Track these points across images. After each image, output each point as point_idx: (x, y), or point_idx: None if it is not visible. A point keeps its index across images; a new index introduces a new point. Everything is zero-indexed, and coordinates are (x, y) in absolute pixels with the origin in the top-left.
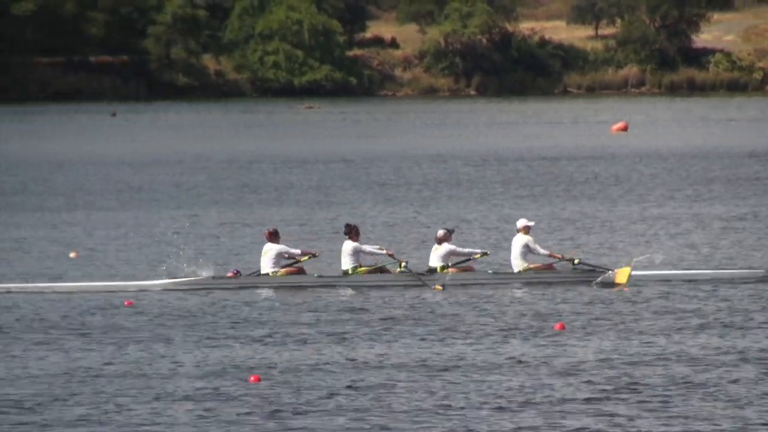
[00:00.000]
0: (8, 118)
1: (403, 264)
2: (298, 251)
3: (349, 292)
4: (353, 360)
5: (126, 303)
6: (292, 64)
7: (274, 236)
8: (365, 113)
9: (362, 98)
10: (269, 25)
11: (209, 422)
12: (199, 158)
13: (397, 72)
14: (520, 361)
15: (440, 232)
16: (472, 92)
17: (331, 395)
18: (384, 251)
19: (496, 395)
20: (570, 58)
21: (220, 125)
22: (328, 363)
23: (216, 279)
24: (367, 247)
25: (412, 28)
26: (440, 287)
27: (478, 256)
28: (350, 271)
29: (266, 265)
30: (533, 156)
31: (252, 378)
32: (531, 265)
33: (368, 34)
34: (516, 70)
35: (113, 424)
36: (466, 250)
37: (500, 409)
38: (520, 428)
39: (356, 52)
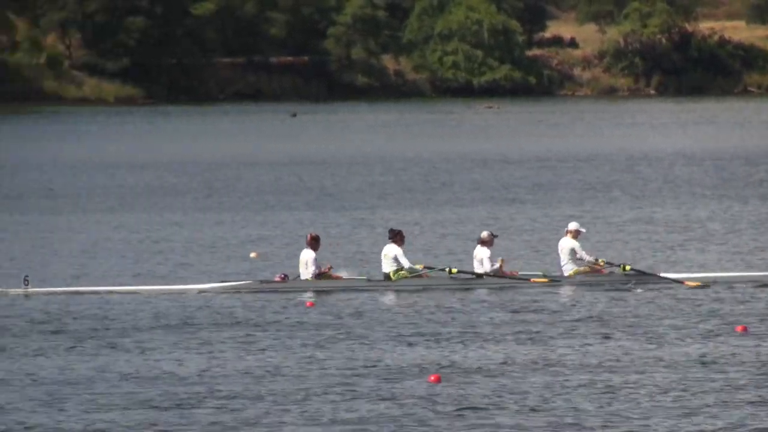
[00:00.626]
0: (189, 118)
1: (455, 270)
2: (315, 268)
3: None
4: (541, 361)
5: (307, 304)
6: (472, 64)
7: (313, 242)
8: (546, 113)
9: (541, 98)
10: (448, 25)
11: (389, 420)
12: (384, 159)
13: (576, 72)
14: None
15: (484, 234)
16: (652, 92)
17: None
18: (419, 267)
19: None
20: (750, 57)
21: (401, 125)
22: (517, 363)
23: (264, 282)
24: (405, 260)
25: (591, 28)
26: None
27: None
28: (391, 275)
29: (302, 272)
30: (721, 156)
31: (432, 378)
32: (580, 269)
33: (547, 34)
34: (696, 70)
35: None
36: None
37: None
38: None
39: (535, 51)
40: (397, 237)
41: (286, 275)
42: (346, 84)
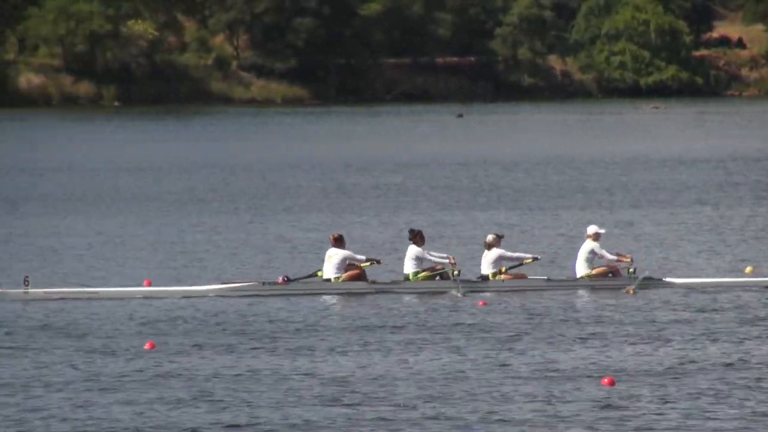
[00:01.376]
0: (355, 119)
1: (455, 272)
2: (363, 257)
3: (407, 299)
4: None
5: (480, 303)
6: (639, 65)
7: (339, 242)
8: (712, 113)
9: (708, 98)
10: (615, 26)
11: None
12: (554, 159)
13: (744, 72)
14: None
15: (489, 237)
16: None
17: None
18: (448, 260)
19: None
20: None
21: (568, 125)
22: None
23: (266, 285)
24: (431, 255)
25: (758, 28)
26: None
27: (529, 261)
28: (411, 276)
29: (330, 271)
30: None
31: (606, 380)
32: (593, 271)
33: (715, 34)
34: None
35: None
36: (516, 254)
37: None
38: None
39: (702, 52)
40: (417, 237)
41: (287, 277)
42: (513, 84)
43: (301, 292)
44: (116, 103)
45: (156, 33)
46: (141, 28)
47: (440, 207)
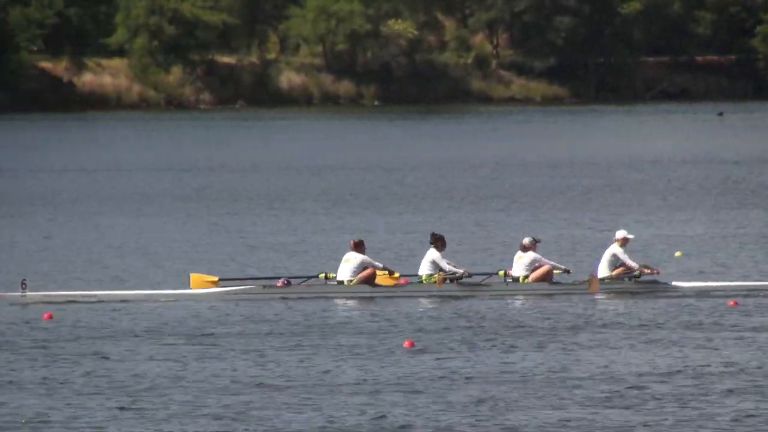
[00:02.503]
0: (613, 117)
1: (501, 272)
2: (380, 265)
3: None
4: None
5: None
6: None
7: (358, 247)
8: None
9: None
10: None
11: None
12: None
13: None
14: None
15: (526, 240)
16: None
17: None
18: (462, 271)
19: None
20: None
21: None
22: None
23: (267, 288)
24: (446, 265)
25: None
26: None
27: (559, 272)
28: (424, 279)
29: (345, 273)
30: None
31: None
32: (612, 274)
33: None
34: None
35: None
36: (550, 262)
37: None
38: None
39: None
40: (438, 242)
41: (289, 280)
42: None
43: (310, 294)
44: (376, 103)
45: (416, 32)
46: (401, 27)
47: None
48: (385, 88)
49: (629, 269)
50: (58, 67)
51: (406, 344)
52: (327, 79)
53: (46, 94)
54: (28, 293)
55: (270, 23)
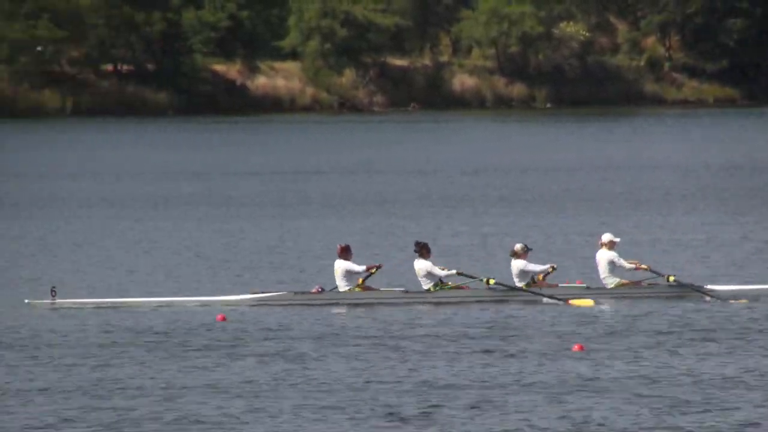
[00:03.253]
0: None
1: (492, 281)
2: (362, 267)
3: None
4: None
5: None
6: None
7: (344, 252)
8: None
9: None
10: None
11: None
12: None
13: None
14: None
15: (517, 246)
16: None
17: None
18: (453, 271)
19: None
20: None
21: None
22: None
23: (297, 294)
24: (439, 270)
25: None
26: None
27: (550, 271)
28: (432, 290)
29: (341, 284)
30: None
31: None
32: (623, 281)
33: None
34: None
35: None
36: (539, 267)
37: None
38: None
39: None
40: (423, 250)
41: (322, 288)
42: None
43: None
44: (548, 105)
45: (588, 34)
46: (573, 29)
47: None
48: (557, 91)
49: (633, 270)
50: (231, 70)
51: (575, 348)
52: (499, 82)
53: (219, 97)
54: (58, 300)
55: (442, 26)
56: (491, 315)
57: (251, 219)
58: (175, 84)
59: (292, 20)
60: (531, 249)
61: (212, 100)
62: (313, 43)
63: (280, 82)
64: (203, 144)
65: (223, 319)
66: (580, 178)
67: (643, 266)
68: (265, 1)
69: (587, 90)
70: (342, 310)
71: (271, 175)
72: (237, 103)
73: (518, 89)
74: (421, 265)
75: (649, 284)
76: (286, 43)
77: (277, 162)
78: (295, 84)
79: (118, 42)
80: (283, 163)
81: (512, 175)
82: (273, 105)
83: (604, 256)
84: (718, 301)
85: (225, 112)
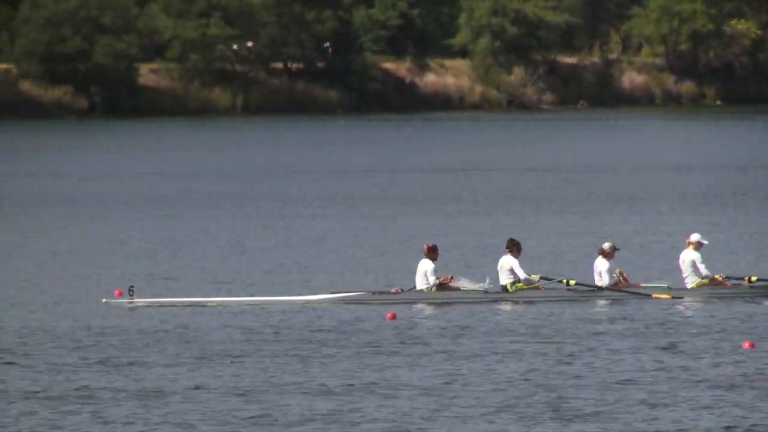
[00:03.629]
0: None
1: (572, 282)
2: (435, 278)
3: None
4: None
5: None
6: None
7: (431, 252)
8: None
9: None
10: None
11: None
12: None
13: None
14: None
15: (605, 246)
16: None
17: None
18: (536, 278)
19: None
20: None
21: None
22: None
23: (376, 294)
24: (521, 271)
25: None
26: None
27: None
28: (509, 287)
29: (420, 282)
30: None
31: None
32: (704, 281)
33: None
34: None
35: None
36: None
37: None
38: None
39: None
40: (514, 248)
41: (402, 289)
42: None
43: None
44: (718, 102)
45: (759, 32)
46: (744, 27)
47: None
48: (727, 88)
49: (710, 279)
50: (401, 68)
51: (745, 346)
52: (669, 79)
53: (388, 95)
54: (136, 300)
55: (612, 23)
56: (568, 315)
57: (426, 215)
58: (345, 82)
59: (462, 18)
60: (618, 249)
61: (382, 98)
62: (483, 41)
63: (449, 80)
64: (373, 142)
65: (393, 317)
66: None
67: (718, 277)
68: None
69: (758, 87)
70: (422, 307)
71: (443, 172)
72: (406, 101)
73: (687, 87)
74: (506, 261)
75: (733, 285)
76: (457, 40)
77: (445, 159)
78: (465, 82)
79: (289, 40)
80: (451, 160)
81: (689, 172)
82: (442, 103)
83: (688, 255)
84: None
85: (394, 110)
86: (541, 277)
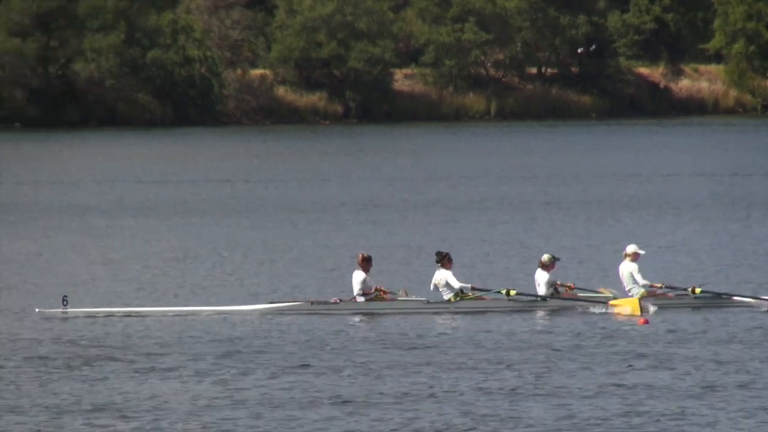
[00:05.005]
0: None
1: (513, 291)
2: (360, 289)
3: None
4: None
5: (640, 322)
6: None
7: (365, 262)
8: None
9: None
10: None
11: None
12: None
13: None
14: None
15: (544, 257)
16: None
17: None
18: (470, 287)
19: None
20: None
21: None
22: None
23: (314, 304)
24: (455, 281)
25: None
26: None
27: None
28: (452, 299)
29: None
30: None
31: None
32: (645, 293)
33: None
34: None
35: None
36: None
37: None
38: None
39: None
40: (444, 260)
41: (340, 299)
42: None
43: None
44: None
45: None
46: None
47: None
48: None
49: (648, 288)
50: (654, 72)
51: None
52: None
53: (642, 100)
54: (69, 309)
55: None
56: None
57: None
58: (598, 87)
59: (717, 22)
60: (558, 259)
61: (635, 103)
62: (738, 46)
63: (703, 85)
64: (627, 147)
65: (646, 323)
66: None
67: (657, 284)
68: (690, 4)
69: None
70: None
71: (701, 176)
72: (659, 106)
73: None
74: (440, 275)
75: (677, 295)
76: (711, 45)
77: (705, 164)
78: (719, 87)
79: (543, 45)
80: (708, 166)
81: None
82: (696, 108)
83: (626, 267)
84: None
85: (647, 114)
86: (474, 288)
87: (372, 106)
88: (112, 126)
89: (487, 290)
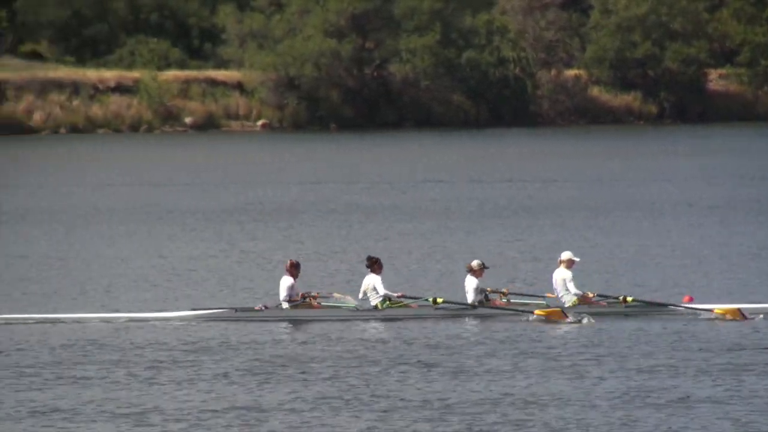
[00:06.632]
0: None
1: (440, 300)
2: (287, 295)
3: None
4: None
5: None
6: None
7: (293, 268)
8: None
9: None
10: None
11: None
12: None
13: None
14: None
15: (474, 263)
16: None
17: None
18: (396, 295)
19: None
20: None
21: None
22: None
23: (239, 311)
24: (381, 288)
25: None
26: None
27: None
28: (379, 305)
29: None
30: None
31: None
32: (576, 299)
33: None
34: None
35: None
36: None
37: None
38: None
39: None
40: (375, 265)
41: (266, 306)
42: None
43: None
44: None
45: None
46: None
47: None
48: None
49: (580, 297)
50: None
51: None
52: None
53: None
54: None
55: None
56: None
57: None
58: None
59: None
60: (488, 267)
61: None
62: None
63: None
64: None
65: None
66: None
67: (590, 294)
68: None
69: None
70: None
71: None
72: None
73: None
74: (369, 280)
75: (609, 303)
76: None
77: None
78: None
79: None
80: None
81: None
82: None
83: (559, 274)
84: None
85: None
86: (402, 295)
87: (686, 106)
88: (428, 127)
89: (415, 297)
